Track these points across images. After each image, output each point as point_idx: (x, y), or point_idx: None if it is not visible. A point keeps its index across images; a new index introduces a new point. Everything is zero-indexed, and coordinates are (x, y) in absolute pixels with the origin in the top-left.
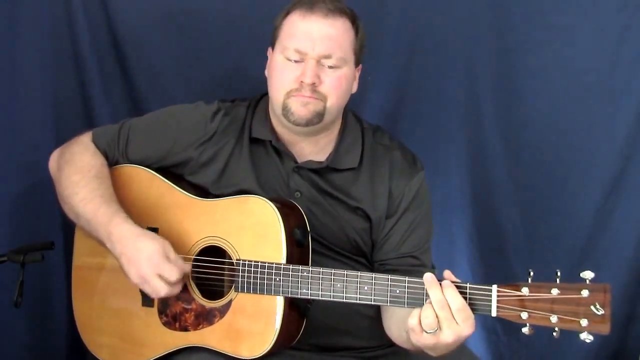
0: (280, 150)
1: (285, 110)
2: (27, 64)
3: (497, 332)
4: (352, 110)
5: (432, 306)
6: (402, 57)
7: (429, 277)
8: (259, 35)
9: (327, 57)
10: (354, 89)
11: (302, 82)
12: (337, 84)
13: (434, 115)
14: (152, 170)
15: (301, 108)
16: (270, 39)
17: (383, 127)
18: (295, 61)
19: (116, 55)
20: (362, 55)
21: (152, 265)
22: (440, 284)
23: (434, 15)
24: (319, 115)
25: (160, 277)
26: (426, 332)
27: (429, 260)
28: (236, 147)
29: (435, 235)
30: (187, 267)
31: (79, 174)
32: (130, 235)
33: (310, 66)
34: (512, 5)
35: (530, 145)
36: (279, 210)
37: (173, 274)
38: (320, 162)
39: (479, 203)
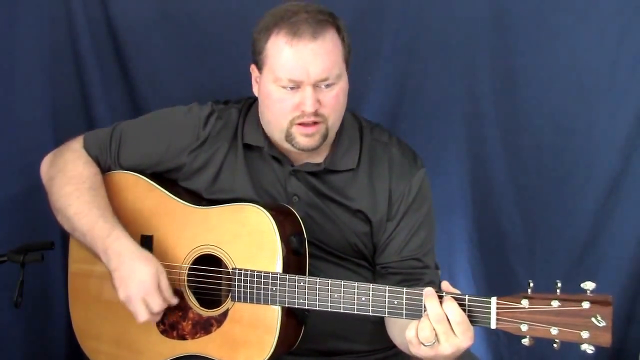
0: (275, 155)
1: (289, 137)
2: (27, 64)
3: (497, 332)
4: (350, 110)
5: (429, 319)
6: (402, 57)
7: (428, 291)
8: None
9: (324, 80)
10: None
11: (303, 110)
12: (336, 101)
13: (434, 115)
14: (146, 176)
15: (307, 139)
16: (252, 56)
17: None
18: (291, 88)
19: (116, 55)
20: (350, 57)
21: (141, 290)
22: (440, 299)
23: (433, 15)
24: (324, 137)
25: (145, 303)
26: (424, 344)
27: (433, 260)
28: (230, 151)
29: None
30: (175, 300)
31: (72, 185)
32: (128, 253)
33: (308, 94)
34: (512, 5)
35: (530, 145)
36: (274, 218)
37: (157, 305)
38: (318, 165)
39: (479, 203)
